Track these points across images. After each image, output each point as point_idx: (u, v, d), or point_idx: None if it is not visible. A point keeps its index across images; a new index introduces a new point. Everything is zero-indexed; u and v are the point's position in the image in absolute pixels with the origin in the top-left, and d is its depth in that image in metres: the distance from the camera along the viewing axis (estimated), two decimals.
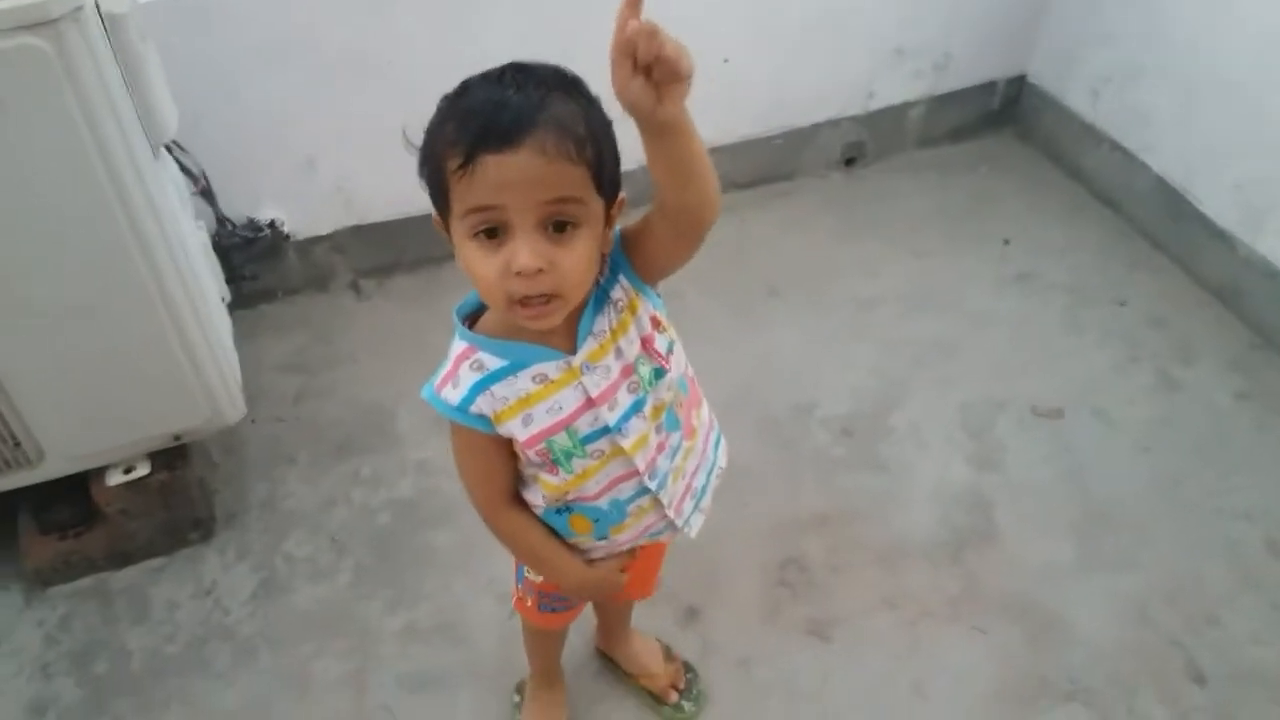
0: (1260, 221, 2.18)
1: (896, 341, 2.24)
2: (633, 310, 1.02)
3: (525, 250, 0.86)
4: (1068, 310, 2.30)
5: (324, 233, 2.35)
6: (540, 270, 0.87)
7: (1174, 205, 2.38)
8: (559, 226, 0.88)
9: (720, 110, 2.52)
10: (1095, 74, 2.57)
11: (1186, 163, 2.35)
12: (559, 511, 1.11)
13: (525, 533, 1.14)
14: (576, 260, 0.90)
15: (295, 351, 2.29)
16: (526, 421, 1.01)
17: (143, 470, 1.73)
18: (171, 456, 1.76)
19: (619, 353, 1.01)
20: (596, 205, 0.91)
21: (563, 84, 0.88)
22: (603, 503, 1.10)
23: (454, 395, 1.00)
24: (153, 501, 1.75)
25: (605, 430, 1.03)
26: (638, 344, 1.03)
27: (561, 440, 1.02)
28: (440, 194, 0.90)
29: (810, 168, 2.75)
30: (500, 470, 1.09)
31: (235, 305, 2.05)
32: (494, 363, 0.99)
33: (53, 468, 1.67)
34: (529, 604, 1.34)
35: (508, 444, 1.05)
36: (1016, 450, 1.99)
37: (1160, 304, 2.31)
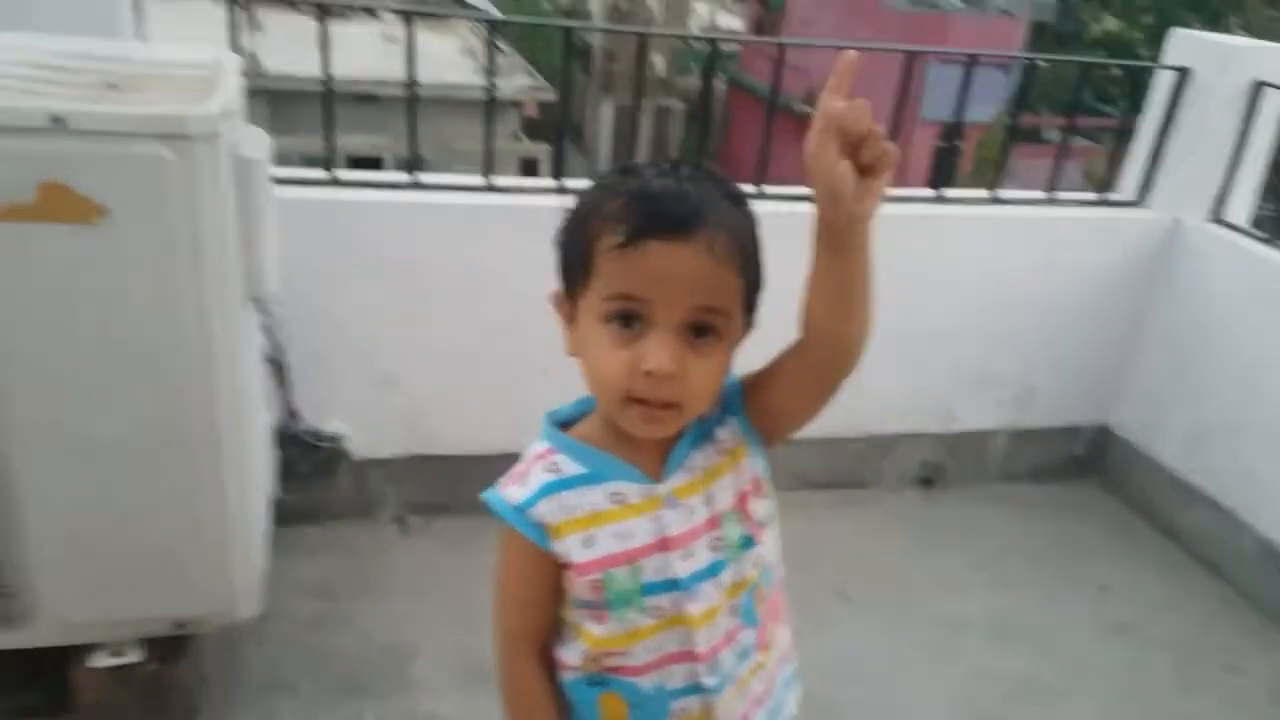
0: None
1: (986, 673, 2.00)
2: (735, 459, 0.91)
3: (662, 352, 0.80)
4: (1177, 668, 2.06)
5: (384, 456, 2.25)
6: (671, 375, 0.80)
7: None
8: (699, 331, 0.81)
9: None
10: (1187, 430, 2.52)
11: None
12: (592, 684, 0.92)
13: (535, 699, 0.94)
14: (708, 372, 0.83)
15: (323, 577, 2.10)
16: (588, 543, 0.87)
17: (133, 657, 1.51)
18: (165, 649, 1.54)
19: (709, 499, 0.89)
20: (738, 324, 0.85)
21: (732, 193, 0.85)
22: (646, 682, 0.90)
23: (517, 494, 0.89)
24: (134, 696, 1.51)
25: (673, 585, 0.88)
26: (732, 498, 0.90)
27: (622, 577, 0.87)
28: (581, 268, 0.83)
29: (886, 480, 2.65)
30: (540, 602, 0.92)
31: (275, 521, 1.91)
32: (572, 468, 0.89)
33: (39, 633, 1.46)
34: None
35: (558, 574, 0.90)
36: None
37: None
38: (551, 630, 0.95)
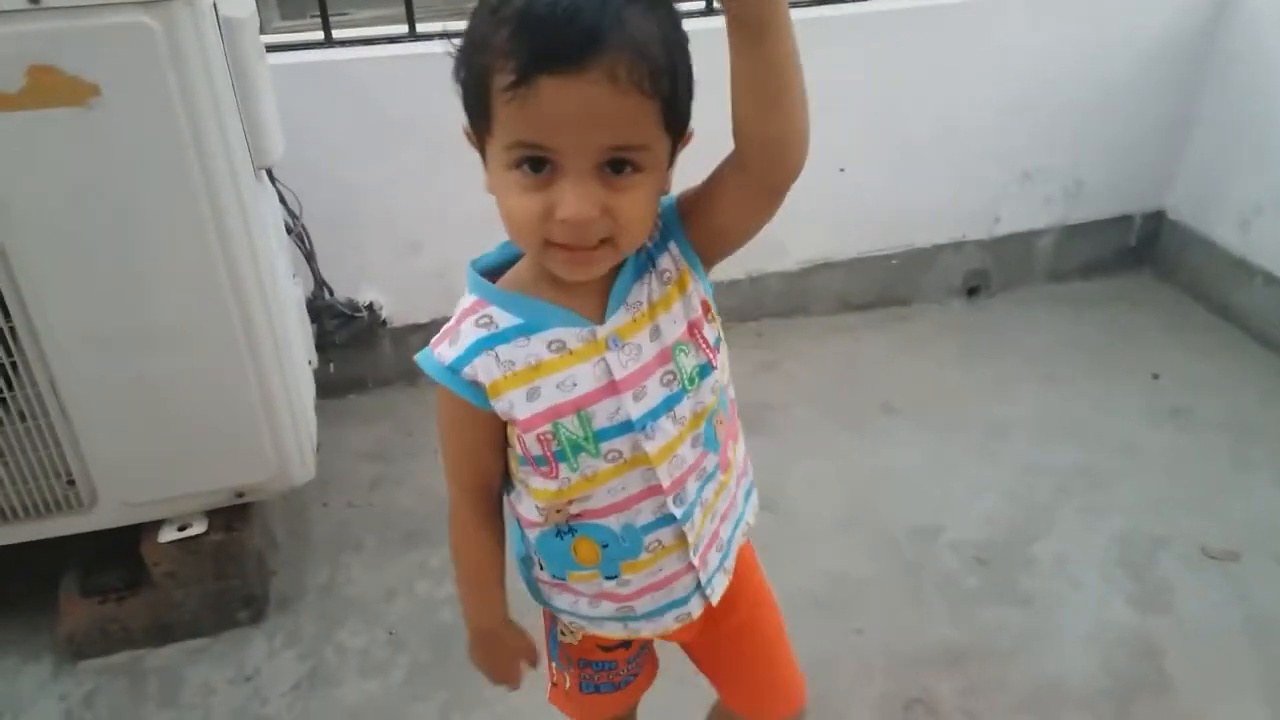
0: None
1: (1035, 468, 1.99)
2: (681, 286, 0.84)
3: (575, 198, 0.72)
4: (1235, 448, 2.03)
5: (421, 321, 2.27)
6: (590, 220, 0.73)
7: None
8: (617, 166, 0.73)
9: (834, 223, 2.42)
10: (1244, 204, 2.39)
11: None
12: (560, 534, 0.90)
13: (478, 547, 0.95)
14: (634, 206, 0.74)
15: (377, 441, 2.16)
16: (531, 396, 0.82)
17: (198, 528, 1.59)
18: (230, 517, 1.62)
19: (656, 332, 0.83)
20: (664, 146, 0.75)
21: None
22: (614, 522, 0.88)
23: (449, 353, 0.83)
24: (204, 566, 1.60)
25: (627, 426, 0.83)
26: (683, 327, 0.84)
27: (571, 425, 0.83)
28: (480, 111, 0.75)
29: (929, 294, 2.60)
30: (484, 457, 0.89)
31: (323, 394, 1.95)
32: (506, 320, 0.82)
33: (104, 516, 1.54)
34: (567, 686, 1.08)
35: (500, 428, 0.87)
36: (1187, 593, 1.69)
37: None
38: (502, 481, 0.94)
